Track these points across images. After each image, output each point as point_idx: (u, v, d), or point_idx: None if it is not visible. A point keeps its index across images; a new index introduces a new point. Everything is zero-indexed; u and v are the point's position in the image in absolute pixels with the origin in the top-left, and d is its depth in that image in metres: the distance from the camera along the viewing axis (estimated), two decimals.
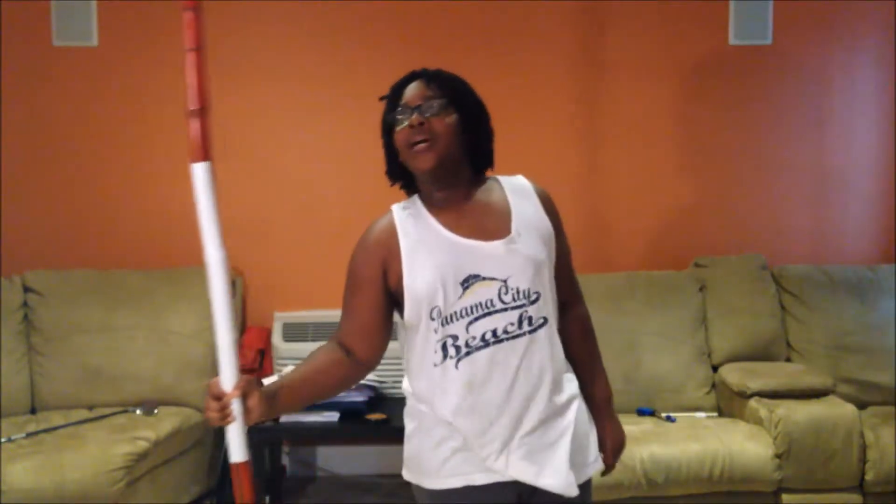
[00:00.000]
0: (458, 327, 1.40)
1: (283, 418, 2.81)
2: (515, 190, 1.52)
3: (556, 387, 1.46)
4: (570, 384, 1.51)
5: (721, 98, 3.53)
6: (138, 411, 2.97)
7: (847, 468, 2.71)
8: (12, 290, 3.16)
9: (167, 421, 2.88)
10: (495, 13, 3.43)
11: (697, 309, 3.24)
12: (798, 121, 3.56)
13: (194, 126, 1.31)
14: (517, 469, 1.43)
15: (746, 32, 3.50)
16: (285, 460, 3.48)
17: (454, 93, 1.46)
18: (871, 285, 3.28)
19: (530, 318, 1.41)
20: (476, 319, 1.40)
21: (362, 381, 2.52)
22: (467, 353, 1.40)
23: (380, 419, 2.89)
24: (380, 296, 1.47)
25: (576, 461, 1.46)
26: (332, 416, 2.84)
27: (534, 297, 1.42)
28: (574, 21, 3.45)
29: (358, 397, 2.93)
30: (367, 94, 3.46)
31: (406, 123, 1.43)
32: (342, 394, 2.82)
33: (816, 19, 3.52)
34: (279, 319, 3.38)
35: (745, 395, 2.90)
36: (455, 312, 1.40)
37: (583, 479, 1.50)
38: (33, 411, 3.07)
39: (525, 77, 3.39)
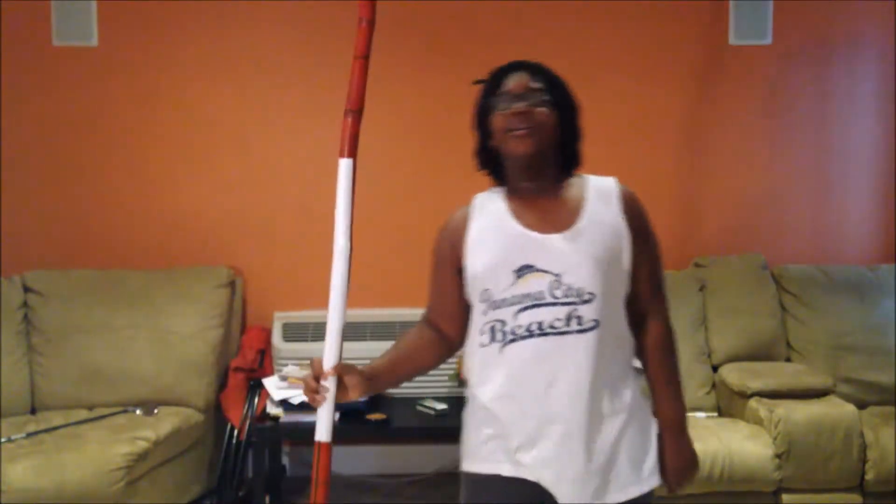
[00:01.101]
0: (506, 313, 1.41)
1: (284, 418, 2.81)
2: (598, 189, 1.51)
3: (600, 395, 1.42)
4: (626, 396, 1.46)
5: (721, 98, 3.53)
6: (138, 411, 2.97)
7: (847, 468, 2.71)
8: (12, 290, 3.16)
9: (167, 421, 2.88)
10: (495, 13, 3.43)
11: (697, 309, 3.24)
12: (798, 121, 3.56)
13: (348, 124, 1.46)
14: (538, 468, 1.43)
15: (746, 32, 3.50)
16: (285, 460, 3.48)
17: (555, 89, 1.48)
18: (871, 285, 3.28)
19: (580, 318, 1.39)
20: (525, 309, 1.40)
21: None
22: (512, 340, 1.41)
23: (380, 419, 2.89)
24: (456, 275, 1.51)
25: (616, 475, 1.43)
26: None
27: (587, 296, 1.39)
28: (573, 21, 3.45)
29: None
30: (367, 94, 3.48)
31: (509, 110, 1.44)
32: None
33: (816, 19, 3.52)
34: (279, 319, 3.38)
35: (745, 395, 2.90)
36: (506, 299, 1.41)
37: (622, 497, 1.44)
38: (33, 411, 3.07)
39: None
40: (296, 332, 3.33)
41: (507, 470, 1.46)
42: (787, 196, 3.58)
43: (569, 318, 1.39)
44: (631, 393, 1.48)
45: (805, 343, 3.20)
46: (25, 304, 3.17)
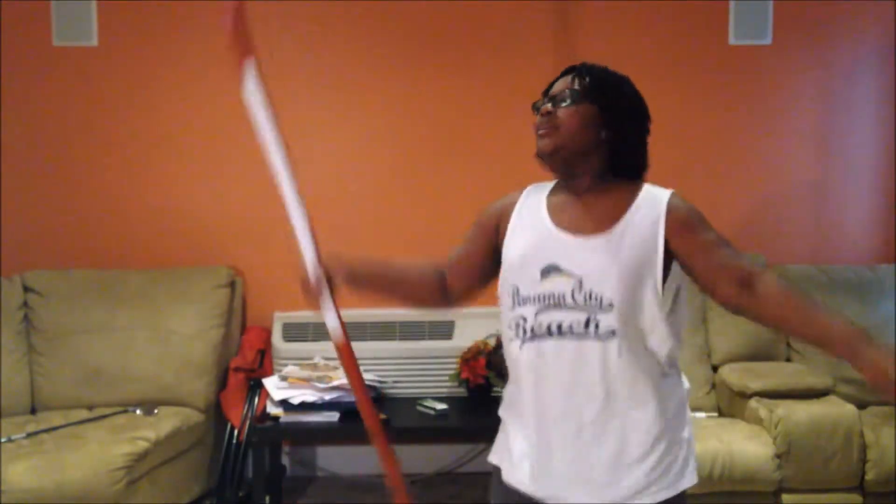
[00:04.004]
0: (528, 311, 1.42)
1: (284, 418, 2.81)
2: (647, 199, 1.45)
3: (614, 403, 1.39)
4: (645, 409, 1.41)
5: (721, 98, 3.53)
6: (138, 411, 2.97)
7: (847, 468, 2.71)
8: (12, 290, 3.16)
9: (167, 421, 2.88)
10: (494, 13, 3.43)
11: (697, 309, 3.24)
12: (798, 120, 3.56)
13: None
14: (524, 470, 1.46)
15: (746, 32, 3.50)
16: (285, 460, 3.47)
17: (600, 87, 1.47)
18: (871, 285, 3.28)
19: (598, 325, 1.36)
20: (546, 309, 1.40)
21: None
22: (532, 338, 1.41)
23: (380, 419, 2.89)
24: (487, 246, 1.56)
25: (618, 482, 1.40)
26: (332, 416, 2.83)
27: (607, 305, 1.36)
28: (573, 21, 3.45)
29: None
30: (367, 94, 3.49)
31: (538, 111, 1.49)
32: (342, 393, 2.83)
33: (816, 19, 3.52)
34: (279, 319, 3.38)
35: (745, 395, 2.90)
36: (529, 296, 1.41)
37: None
38: (33, 411, 3.07)
39: (524, 77, 3.38)
40: (296, 332, 3.33)
41: (506, 466, 1.52)
42: (787, 196, 3.58)
43: (587, 324, 1.37)
44: (653, 408, 1.42)
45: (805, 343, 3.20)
46: (25, 304, 3.17)
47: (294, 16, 3.45)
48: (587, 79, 1.48)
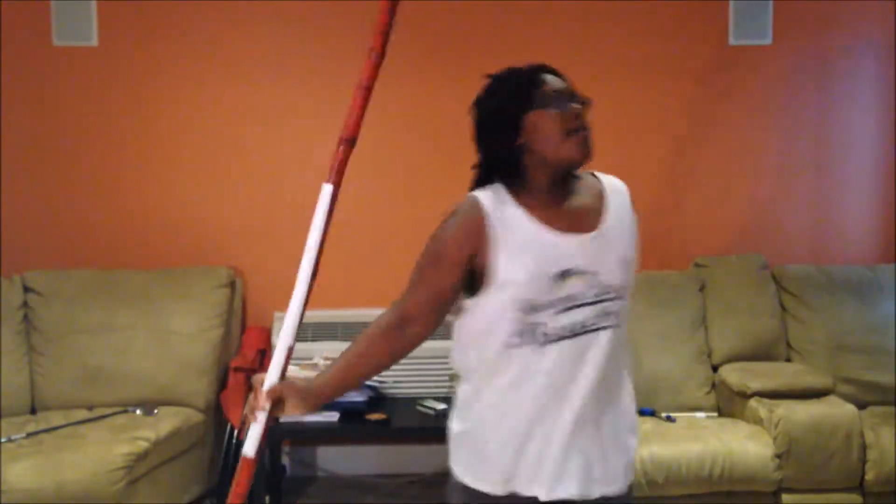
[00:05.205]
0: (545, 316, 1.40)
1: (284, 418, 2.81)
2: (613, 189, 1.53)
3: (607, 390, 1.44)
4: (623, 396, 1.50)
5: (721, 98, 3.53)
6: (138, 411, 2.97)
7: (847, 468, 2.71)
8: (12, 290, 3.16)
9: (167, 421, 2.88)
10: (493, 14, 3.43)
11: (697, 309, 3.24)
12: (798, 121, 3.56)
13: (339, 152, 1.49)
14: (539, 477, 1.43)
15: (746, 32, 3.50)
16: (285, 460, 3.47)
17: None
18: (871, 285, 3.28)
19: (607, 314, 1.42)
20: (565, 310, 1.40)
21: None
22: (554, 340, 1.40)
23: (380, 419, 2.89)
24: (461, 277, 1.44)
25: (606, 469, 1.45)
26: (332, 416, 2.84)
27: (615, 293, 1.43)
28: (573, 21, 3.45)
29: (358, 397, 2.93)
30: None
31: (571, 110, 1.41)
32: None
33: (816, 19, 3.52)
34: (279, 319, 3.38)
35: (745, 395, 2.90)
36: (545, 303, 1.40)
37: (611, 490, 1.46)
38: (33, 411, 3.07)
39: None
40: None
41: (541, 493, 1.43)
42: (787, 196, 3.58)
43: (599, 316, 1.42)
44: (627, 393, 1.52)
45: (805, 343, 3.20)
46: (25, 304, 3.17)
47: (296, 15, 3.45)
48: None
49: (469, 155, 1.51)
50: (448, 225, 1.46)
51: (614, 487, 1.46)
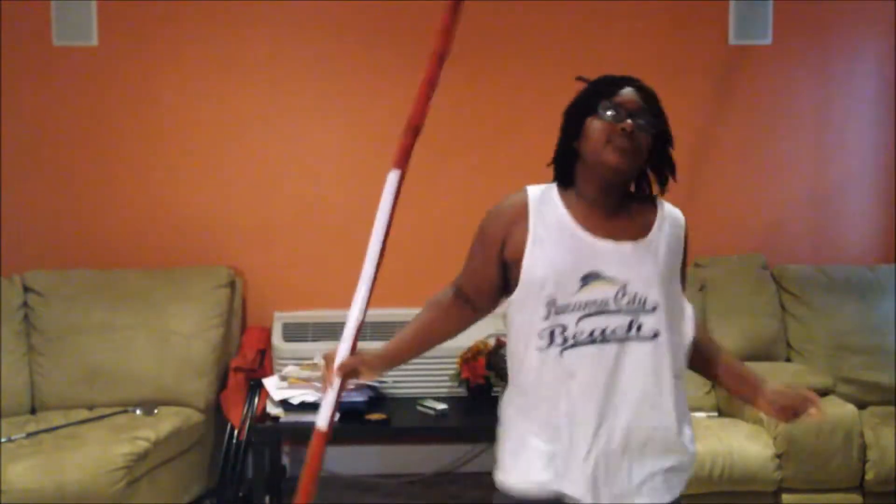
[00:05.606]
0: (569, 319, 1.41)
1: (284, 418, 2.81)
2: (671, 214, 1.56)
3: (656, 404, 1.44)
4: (671, 408, 1.47)
5: (721, 98, 3.53)
6: (138, 411, 2.97)
7: (847, 468, 2.71)
8: (12, 290, 3.16)
9: (167, 421, 2.88)
10: (493, 14, 3.43)
11: (697, 309, 3.22)
12: (798, 121, 3.56)
13: (407, 138, 1.56)
14: (572, 481, 1.42)
15: (746, 32, 3.50)
16: (285, 460, 3.48)
17: (658, 116, 1.48)
18: (871, 285, 3.28)
19: (640, 327, 1.42)
20: (588, 315, 1.41)
21: (362, 382, 2.54)
22: (573, 345, 1.41)
23: (380, 419, 2.89)
24: (498, 260, 1.52)
25: (651, 480, 1.46)
26: None
27: (651, 307, 1.42)
28: (573, 21, 3.45)
29: (358, 397, 2.93)
30: (367, 94, 3.48)
31: (620, 123, 1.42)
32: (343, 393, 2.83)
33: (816, 19, 3.52)
34: (279, 319, 3.38)
35: None
36: (569, 304, 1.41)
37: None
38: (33, 411, 3.07)
39: (524, 78, 3.38)
40: (296, 332, 3.33)
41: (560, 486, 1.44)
42: (787, 196, 3.58)
43: (630, 327, 1.41)
44: (675, 404, 1.48)
45: (805, 343, 3.20)
46: (25, 304, 3.17)
47: (296, 15, 3.45)
48: (652, 103, 1.47)
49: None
50: (493, 208, 1.54)
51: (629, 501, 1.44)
